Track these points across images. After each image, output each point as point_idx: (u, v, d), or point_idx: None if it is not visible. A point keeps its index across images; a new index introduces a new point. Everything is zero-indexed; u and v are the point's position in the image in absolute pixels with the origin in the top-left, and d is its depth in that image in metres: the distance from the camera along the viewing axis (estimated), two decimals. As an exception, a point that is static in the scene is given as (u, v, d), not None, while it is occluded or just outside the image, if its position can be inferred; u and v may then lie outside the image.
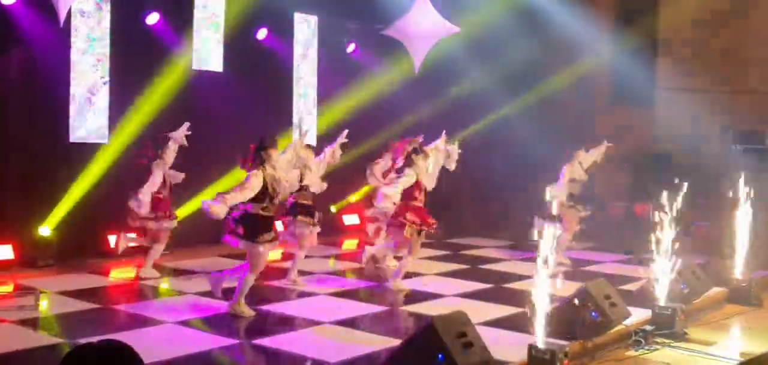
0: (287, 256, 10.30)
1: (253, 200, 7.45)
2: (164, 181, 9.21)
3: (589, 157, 11.15)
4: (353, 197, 13.30)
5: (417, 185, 8.89)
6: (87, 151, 10.29)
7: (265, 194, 7.47)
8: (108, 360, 2.38)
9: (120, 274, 9.52)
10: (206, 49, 11.44)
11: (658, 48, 14.60)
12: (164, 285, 9.13)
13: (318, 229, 9.20)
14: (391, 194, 8.73)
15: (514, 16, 13.47)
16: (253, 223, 7.48)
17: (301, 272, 9.60)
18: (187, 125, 9.23)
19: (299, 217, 8.96)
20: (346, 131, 9.62)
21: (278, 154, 7.71)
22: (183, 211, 10.77)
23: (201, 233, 11.01)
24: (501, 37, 13.47)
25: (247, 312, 7.66)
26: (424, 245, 9.77)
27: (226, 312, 7.71)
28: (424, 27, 12.17)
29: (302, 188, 8.97)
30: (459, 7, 12.62)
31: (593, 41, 14.02)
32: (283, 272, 9.31)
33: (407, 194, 8.88)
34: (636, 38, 14.09)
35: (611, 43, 14.42)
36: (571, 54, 14.18)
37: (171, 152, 9.17)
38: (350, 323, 7.59)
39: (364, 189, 12.51)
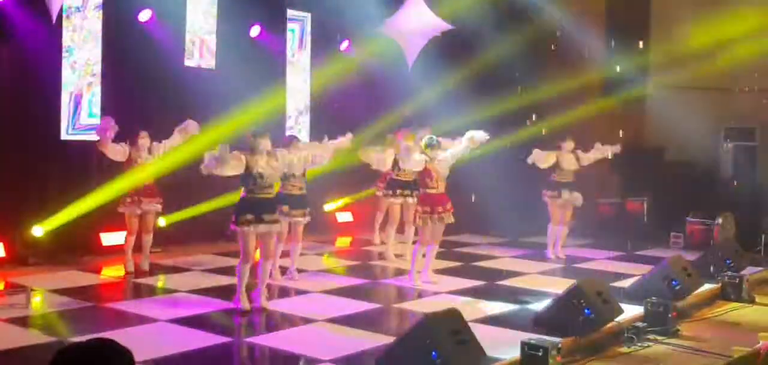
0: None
1: (242, 185, 7.63)
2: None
3: (593, 154, 11.17)
4: (349, 200, 13.28)
5: (427, 173, 8.94)
6: (79, 148, 10.25)
7: (248, 178, 7.56)
8: (99, 359, 2.37)
9: (112, 272, 9.49)
10: (199, 45, 11.40)
11: (650, 43, 14.63)
12: (158, 282, 9.11)
13: (305, 220, 9.11)
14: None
15: (502, 18, 13.44)
16: (240, 207, 7.61)
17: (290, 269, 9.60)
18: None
19: (283, 207, 8.74)
20: (350, 135, 9.53)
21: (267, 143, 7.68)
22: (179, 216, 10.77)
23: (194, 231, 11.01)
24: (492, 34, 13.43)
25: (245, 305, 7.68)
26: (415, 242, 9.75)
27: (218, 310, 7.70)
28: (417, 25, 12.18)
29: (288, 178, 8.85)
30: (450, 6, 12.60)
31: (583, 44, 14.01)
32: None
33: (422, 182, 9.07)
34: (628, 38, 14.10)
35: (602, 44, 14.43)
36: (562, 54, 14.16)
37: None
38: (344, 320, 7.58)
39: (364, 193, 12.49)
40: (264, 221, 7.62)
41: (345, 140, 9.43)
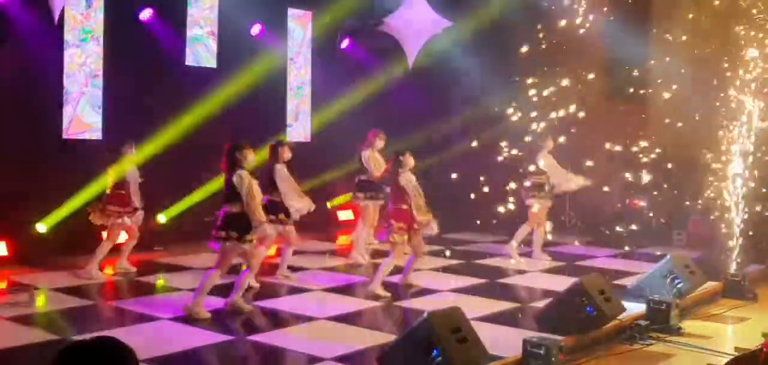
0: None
1: (232, 200, 7.33)
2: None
3: (566, 183, 10.91)
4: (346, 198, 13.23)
5: (405, 189, 8.47)
6: (81, 148, 10.26)
7: (235, 195, 7.30)
8: (102, 357, 2.37)
9: (114, 271, 9.50)
10: (200, 45, 11.41)
11: (650, 41, 14.59)
12: (159, 281, 9.13)
13: (290, 226, 8.95)
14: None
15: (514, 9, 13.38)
16: (240, 222, 7.34)
17: (294, 268, 9.61)
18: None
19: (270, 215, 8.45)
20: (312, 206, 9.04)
21: (253, 154, 7.55)
22: (177, 208, 10.79)
23: (195, 230, 11.01)
24: (500, 29, 13.38)
25: (204, 314, 7.48)
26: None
27: (221, 309, 7.70)
28: (417, 23, 12.16)
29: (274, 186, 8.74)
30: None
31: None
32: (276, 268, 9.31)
33: (398, 198, 8.52)
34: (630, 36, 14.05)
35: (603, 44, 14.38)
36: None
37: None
38: (345, 319, 7.59)
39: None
40: (246, 240, 7.37)
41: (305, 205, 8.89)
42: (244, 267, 7.62)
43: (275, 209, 8.66)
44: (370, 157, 10.27)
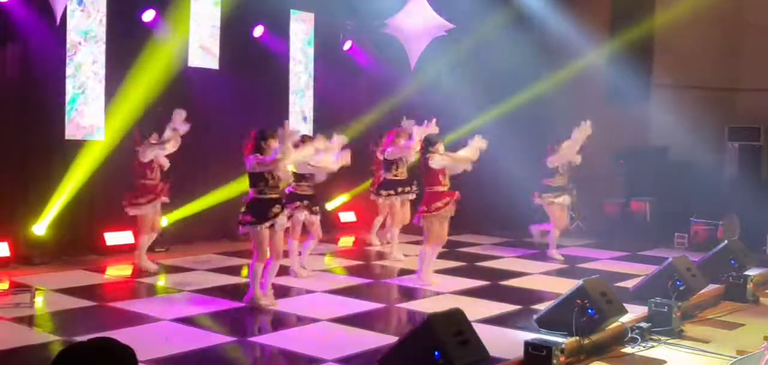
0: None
1: (253, 185, 7.67)
2: (152, 166, 9.23)
3: (575, 142, 10.97)
4: (349, 197, 13.27)
5: (442, 170, 8.90)
6: (82, 148, 10.26)
7: (260, 179, 7.62)
8: (102, 357, 2.37)
9: (116, 271, 9.51)
10: (202, 46, 11.41)
11: (654, 44, 14.59)
12: (161, 282, 9.12)
13: (316, 217, 9.27)
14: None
15: (507, 19, 13.44)
16: (252, 208, 7.67)
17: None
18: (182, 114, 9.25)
19: (297, 204, 9.02)
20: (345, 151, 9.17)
21: (276, 143, 7.70)
22: (181, 210, 10.80)
23: (198, 230, 11.03)
24: (494, 38, 13.43)
25: (262, 301, 7.79)
26: (420, 241, 9.74)
27: (222, 310, 7.70)
28: (419, 25, 12.18)
29: (302, 178, 9.00)
30: (453, 8, 12.59)
31: (587, 45, 13.98)
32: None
33: (433, 180, 8.90)
34: (631, 39, 14.07)
35: (605, 45, 14.40)
36: (565, 56, 14.14)
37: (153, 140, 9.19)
38: (347, 320, 7.58)
39: (364, 185, 12.45)
40: (275, 220, 7.68)
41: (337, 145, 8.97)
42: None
43: (301, 197, 9.01)
44: (390, 154, 10.48)
